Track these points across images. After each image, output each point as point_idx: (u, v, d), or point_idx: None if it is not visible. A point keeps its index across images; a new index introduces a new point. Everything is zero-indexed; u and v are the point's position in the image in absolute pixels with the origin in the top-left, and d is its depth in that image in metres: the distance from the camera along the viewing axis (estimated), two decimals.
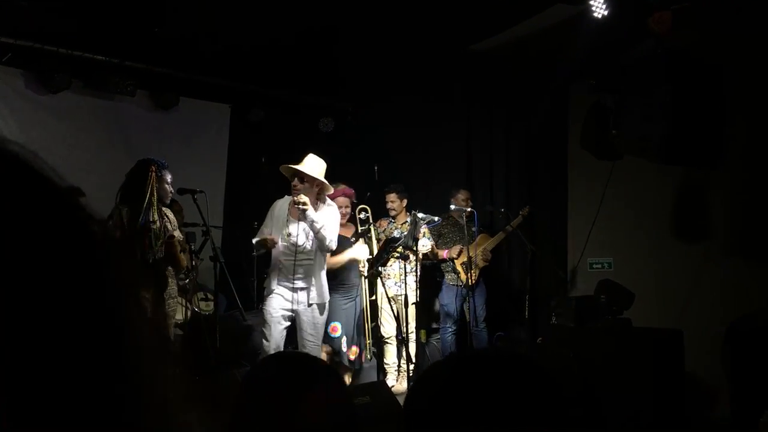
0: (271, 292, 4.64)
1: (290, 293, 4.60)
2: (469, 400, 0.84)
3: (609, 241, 5.87)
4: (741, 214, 4.98)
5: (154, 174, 4.10)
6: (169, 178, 4.22)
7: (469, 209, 5.93)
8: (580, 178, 6.27)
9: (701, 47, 4.62)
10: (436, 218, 5.62)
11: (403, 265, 5.41)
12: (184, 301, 5.83)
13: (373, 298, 5.74)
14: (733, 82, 4.71)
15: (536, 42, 5.45)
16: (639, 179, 5.56)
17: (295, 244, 4.56)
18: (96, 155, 6.43)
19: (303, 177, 4.57)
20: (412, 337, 5.46)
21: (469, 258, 5.77)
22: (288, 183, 4.67)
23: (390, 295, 5.12)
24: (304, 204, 4.45)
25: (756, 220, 4.86)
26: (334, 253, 4.96)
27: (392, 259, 5.30)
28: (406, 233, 5.32)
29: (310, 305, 4.65)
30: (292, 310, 4.64)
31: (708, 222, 5.23)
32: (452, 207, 6.11)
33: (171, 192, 4.27)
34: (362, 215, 5.69)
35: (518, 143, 6.78)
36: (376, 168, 7.49)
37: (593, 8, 4.78)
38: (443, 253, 6.06)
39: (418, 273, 5.40)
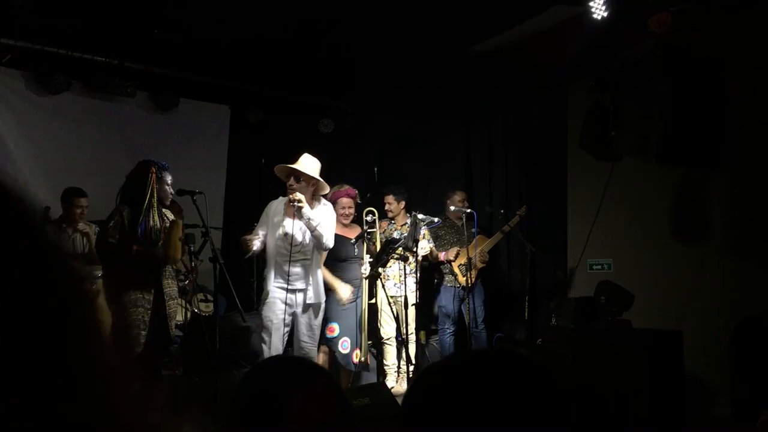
0: (267, 294, 4.64)
1: (288, 295, 4.60)
2: (467, 400, 0.84)
3: (609, 242, 5.87)
4: (740, 214, 4.98)
5: (154, 175, 4.11)
6: (169, 179, 4.24)
7: (468, 210, 5.92)
8: (579, 178, 6.27)
9: (701, 47, 4.62)
10: (436, 219, 5.60)
11: (402, 267, 5.41)
12: (184, 302, 5.84)
13: (373, 301, 5.72)
14: (733, 82, 4.71)
15: (535, 43, 5.45)
16: (639, 179, 5.56)
17: (291, 244, 4.56)
18: (96, 156, 6.44)
19: (299, 176, 4.58)
20: (412, 338, 5.45)
21: (469, 259, 5.76)
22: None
23: (390, 296, 5.11)
24: (300, 201, 4.45)
25: (756, 220, 4.86)
26: (327, 261, 4.98)
27: (392, 261, 5.29)
28: (405, 234, 5.32)
29: (307, 307, 4.65)
30: (291, 314, 4.64)
31: (707, 222, 5.23)
32: (451, 208, 6.10)
33: (171, 193, 4.28)
34: (369, 218, 5.65)
35: (517, 144, 6.78)
36: (375, 169, 7.49)
37: (593, 9, 4.78)
38: (440, 255, 6.06)
39: (418, 274, 5.39)
